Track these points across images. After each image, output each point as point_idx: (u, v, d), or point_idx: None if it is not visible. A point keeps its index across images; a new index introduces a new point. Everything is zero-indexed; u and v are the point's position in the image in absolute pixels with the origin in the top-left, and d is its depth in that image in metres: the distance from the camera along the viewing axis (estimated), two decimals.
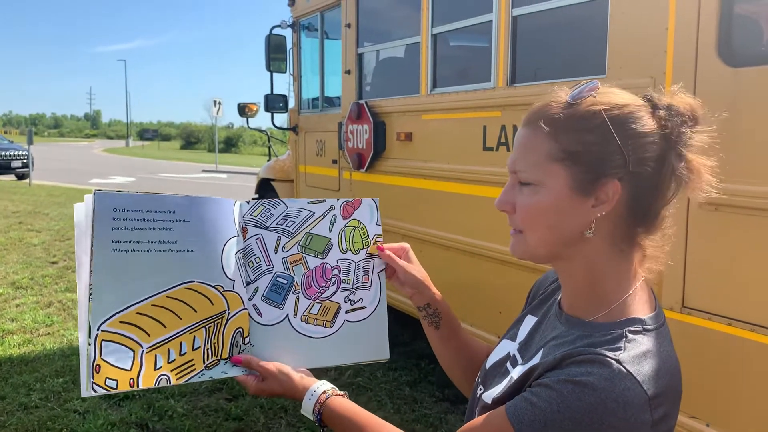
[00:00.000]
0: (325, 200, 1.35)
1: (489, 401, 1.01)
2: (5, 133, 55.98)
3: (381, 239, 1.36)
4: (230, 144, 55.86)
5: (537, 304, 1.15)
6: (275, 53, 5.85)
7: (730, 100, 2.20)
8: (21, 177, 20.50)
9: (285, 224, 1.32)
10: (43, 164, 25.40)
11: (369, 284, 1.35)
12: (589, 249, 0.96)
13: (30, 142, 18.85)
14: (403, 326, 5.24)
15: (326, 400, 1.14)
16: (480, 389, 1.10)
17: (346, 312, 1.33)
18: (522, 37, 3.27)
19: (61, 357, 4.65)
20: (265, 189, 6.58)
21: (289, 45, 5.88)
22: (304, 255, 1.32)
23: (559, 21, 3.29)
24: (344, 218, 1.35)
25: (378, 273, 1.36)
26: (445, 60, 4.00)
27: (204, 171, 27.57)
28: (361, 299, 1.34)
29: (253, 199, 6.99)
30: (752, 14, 2.35)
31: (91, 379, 1.08)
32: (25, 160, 20.17)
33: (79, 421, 3.63)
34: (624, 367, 0.85)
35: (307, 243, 1.32)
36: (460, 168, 3.61)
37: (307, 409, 1.15)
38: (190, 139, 65.48)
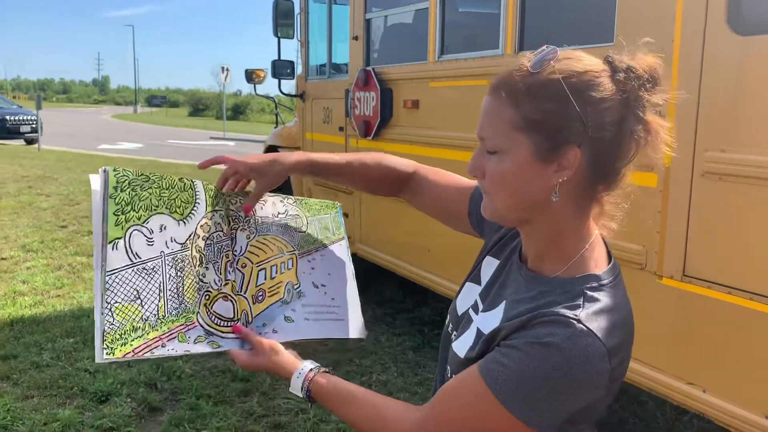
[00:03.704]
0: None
1: (462, 356, 1.06)
2: (14, 98, 56.02)
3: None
4: (238, 111, 55.61)
5: (499, 248, 1.19)
6: (283, 19, 5.80)
7: (738, 68, 2.19)
8: (30, 142, 20.57)
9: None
10: (51, 129, 25.44)
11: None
12: (553, 211, 0.99)
13: (39, 107, 18.86)
14: (407, 293, 5.30)
15: (314, 377, 1.15)
16: (454, 335, 1.15)
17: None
18: (531, 3, 3.23)
19: (72, 318, 4.73)
20: None
21: (296, 10, 5.84)
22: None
23: None
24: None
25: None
26: (454, 26, 3.96)
27: (212, 138, 27.55)
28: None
29: None
30: None
31: (104, 345, 1.08)
32: (34, 125, 20.19)
33: (90, 380, 3.71)
34: (584, 326, 0.91)
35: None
36: (467, 136, 3.60)
37: (296, 387, 1.16)
38: (198, 106, 65.18)
